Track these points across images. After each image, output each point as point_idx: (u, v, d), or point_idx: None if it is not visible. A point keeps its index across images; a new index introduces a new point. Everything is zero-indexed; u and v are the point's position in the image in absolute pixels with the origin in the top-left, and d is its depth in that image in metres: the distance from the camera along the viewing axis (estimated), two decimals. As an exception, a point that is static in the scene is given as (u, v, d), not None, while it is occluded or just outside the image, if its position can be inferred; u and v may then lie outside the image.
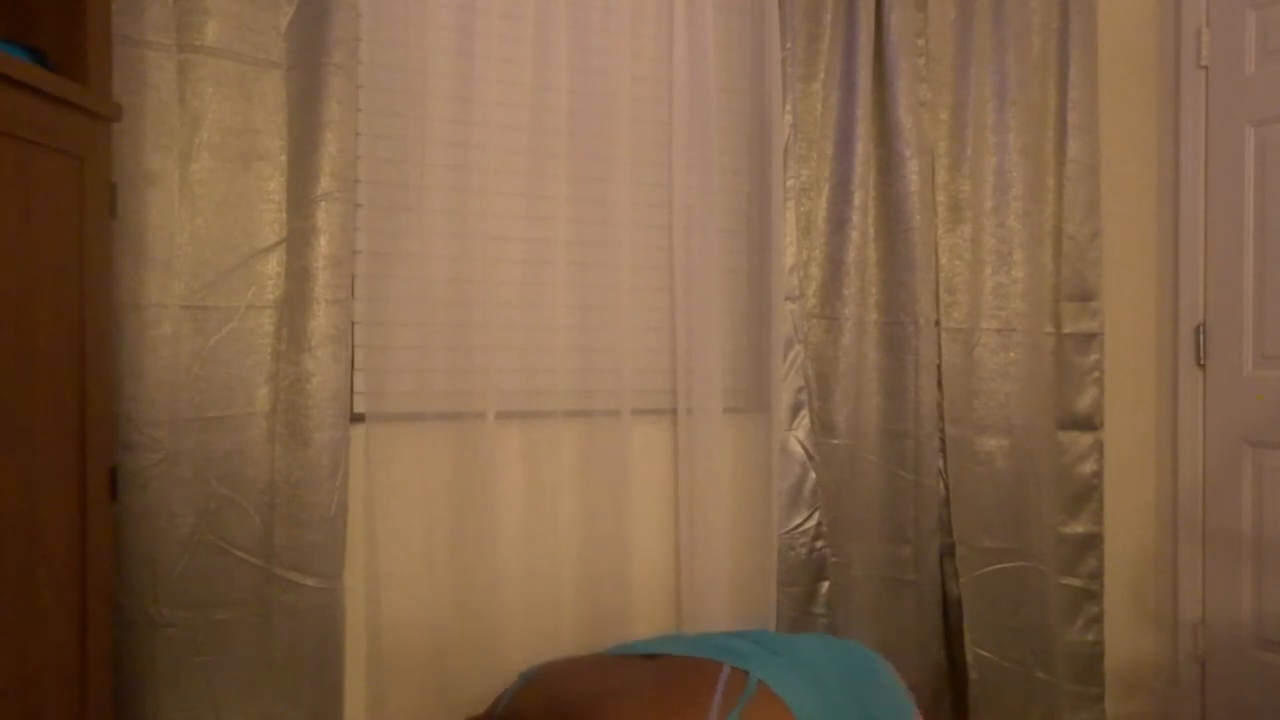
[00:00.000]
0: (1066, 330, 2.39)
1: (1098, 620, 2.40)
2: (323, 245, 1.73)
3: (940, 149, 2.28)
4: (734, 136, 2.22)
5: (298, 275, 1.73)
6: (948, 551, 2.28)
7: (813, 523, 2.13)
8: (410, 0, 1.86)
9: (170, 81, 1.64)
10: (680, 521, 2.09)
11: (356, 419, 1.83)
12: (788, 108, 2.13)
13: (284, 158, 1.74)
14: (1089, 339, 2.39)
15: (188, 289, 1.66)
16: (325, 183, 1.73)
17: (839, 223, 2.17)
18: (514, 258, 1.97)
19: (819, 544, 2.14)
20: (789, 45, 2.13)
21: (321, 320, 1.72)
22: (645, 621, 2.05)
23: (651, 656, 1.72)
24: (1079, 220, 2.38)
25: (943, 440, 2.27)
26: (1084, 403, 2.39)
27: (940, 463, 2.27)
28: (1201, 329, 2.54)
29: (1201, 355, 2.55)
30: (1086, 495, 2.40)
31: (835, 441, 2.16)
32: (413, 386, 1.87)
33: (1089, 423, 2.39)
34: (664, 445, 2.10)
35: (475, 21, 1.90)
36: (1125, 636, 2.58)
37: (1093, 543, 2.40)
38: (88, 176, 1.39)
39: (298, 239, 1.73)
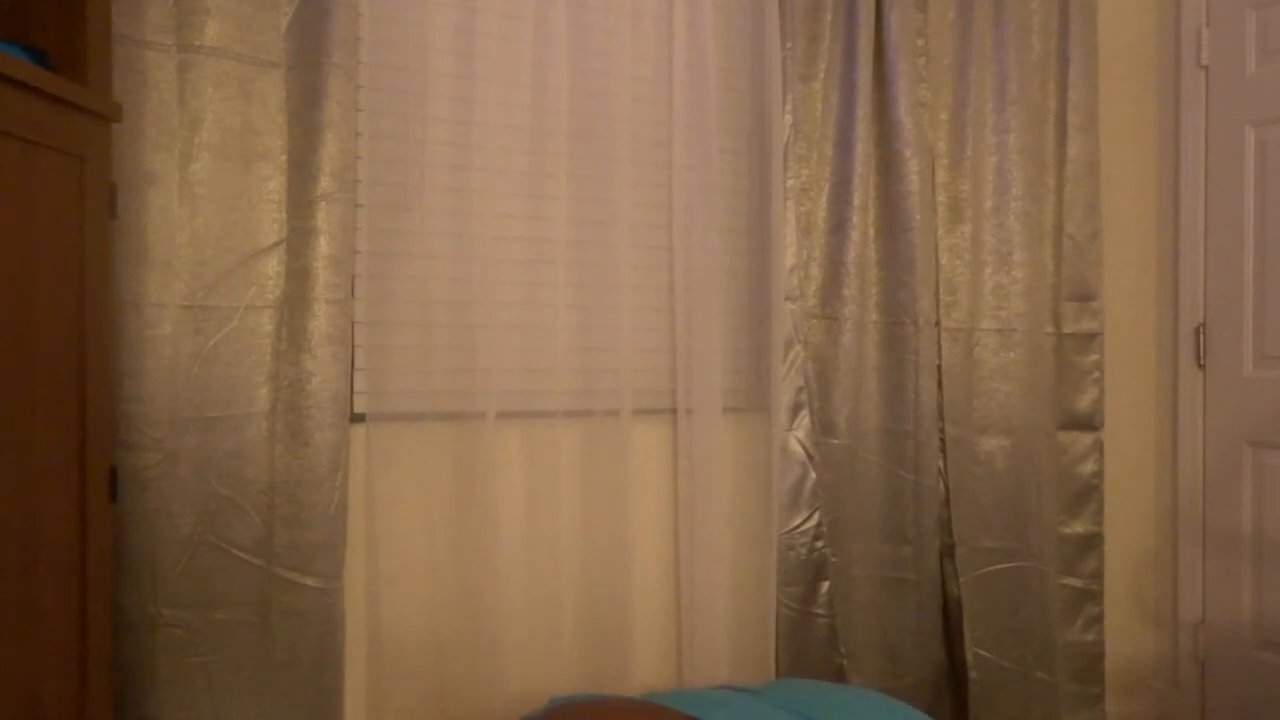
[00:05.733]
0: (1066, 330, 2.39)
1: (1098, 620, 2.40)
2: (323, 245, 1.73)
3: (940, 149, 2.28)
4: (734, 136, 2.22)
5: (298, 275, 1.73)
6: (948, 551, 2.28)
7: (813, 523, 2.13)
8: (410, 0, 1.86)
9: (170, 81, 1.64)
10: (680, 521, 2.09)
11: (356, 419, 1.83)
12: (788, 108, 2.13)
13: (284, 158, 1.74)
14: (1089, 339, 2.39)
15: (188, 289, 1.66)
16: (325, 183, 1.73)
17: (839, 223, 2.17)
18: (514, 258, 1.97)
19: (819, 544, 2.14)
20: (789, 45, 2.13)
21: (321, 320, 1.72)
22: (645, 621, 2.06)
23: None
24: (1079, 220, 2.38)
25: (943, 440, 2.27)
26: (1084, 403, 2.39)
27: (940, 463, 2.27)
28: (1201, 329, 2.54)
29: (1201, 355, 2.54)
30: (1086, 495, 2.40)
31: (835, 441, 2.16)
32: (413, 386, 1.87)
33: (1089, 423, 2.39)
34: (664, 445, 2.10)
35: (475, 21, 1.90)
36: (1125, 636, 2.58)
37: (1093, 543, 2.40)
38: (88, 176, 1.39)
39: (298, 239, 1.73)
